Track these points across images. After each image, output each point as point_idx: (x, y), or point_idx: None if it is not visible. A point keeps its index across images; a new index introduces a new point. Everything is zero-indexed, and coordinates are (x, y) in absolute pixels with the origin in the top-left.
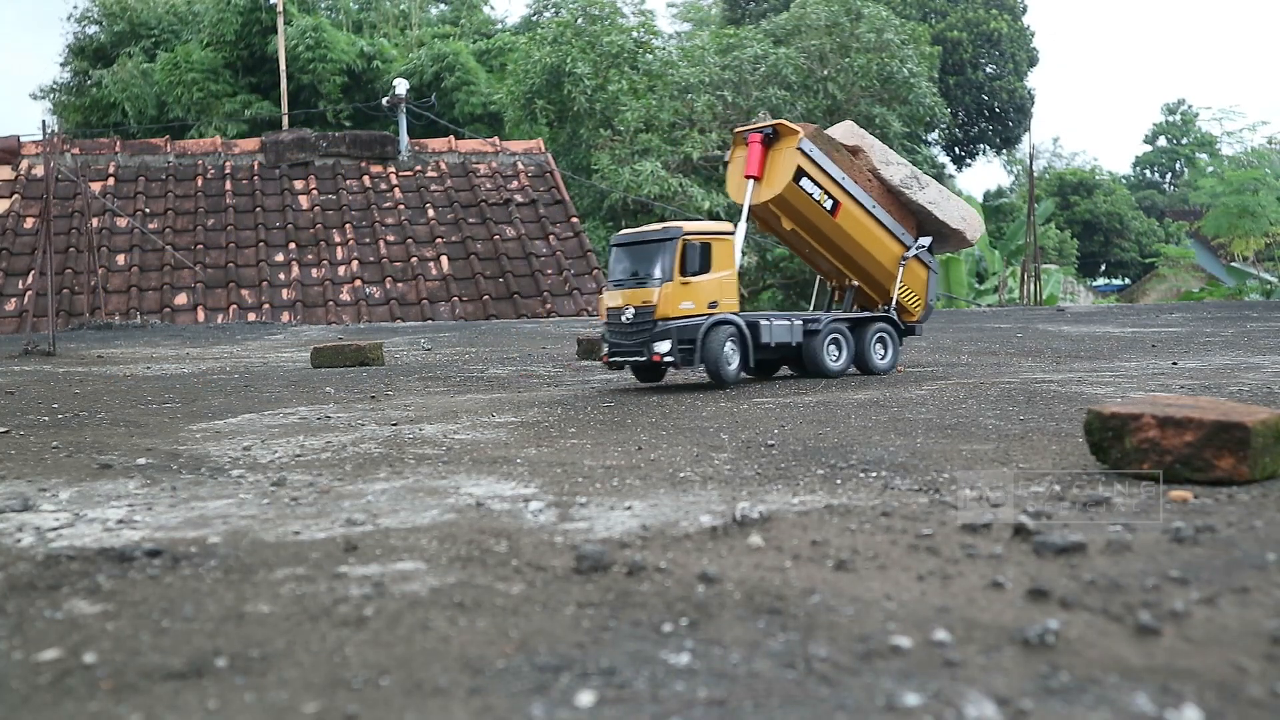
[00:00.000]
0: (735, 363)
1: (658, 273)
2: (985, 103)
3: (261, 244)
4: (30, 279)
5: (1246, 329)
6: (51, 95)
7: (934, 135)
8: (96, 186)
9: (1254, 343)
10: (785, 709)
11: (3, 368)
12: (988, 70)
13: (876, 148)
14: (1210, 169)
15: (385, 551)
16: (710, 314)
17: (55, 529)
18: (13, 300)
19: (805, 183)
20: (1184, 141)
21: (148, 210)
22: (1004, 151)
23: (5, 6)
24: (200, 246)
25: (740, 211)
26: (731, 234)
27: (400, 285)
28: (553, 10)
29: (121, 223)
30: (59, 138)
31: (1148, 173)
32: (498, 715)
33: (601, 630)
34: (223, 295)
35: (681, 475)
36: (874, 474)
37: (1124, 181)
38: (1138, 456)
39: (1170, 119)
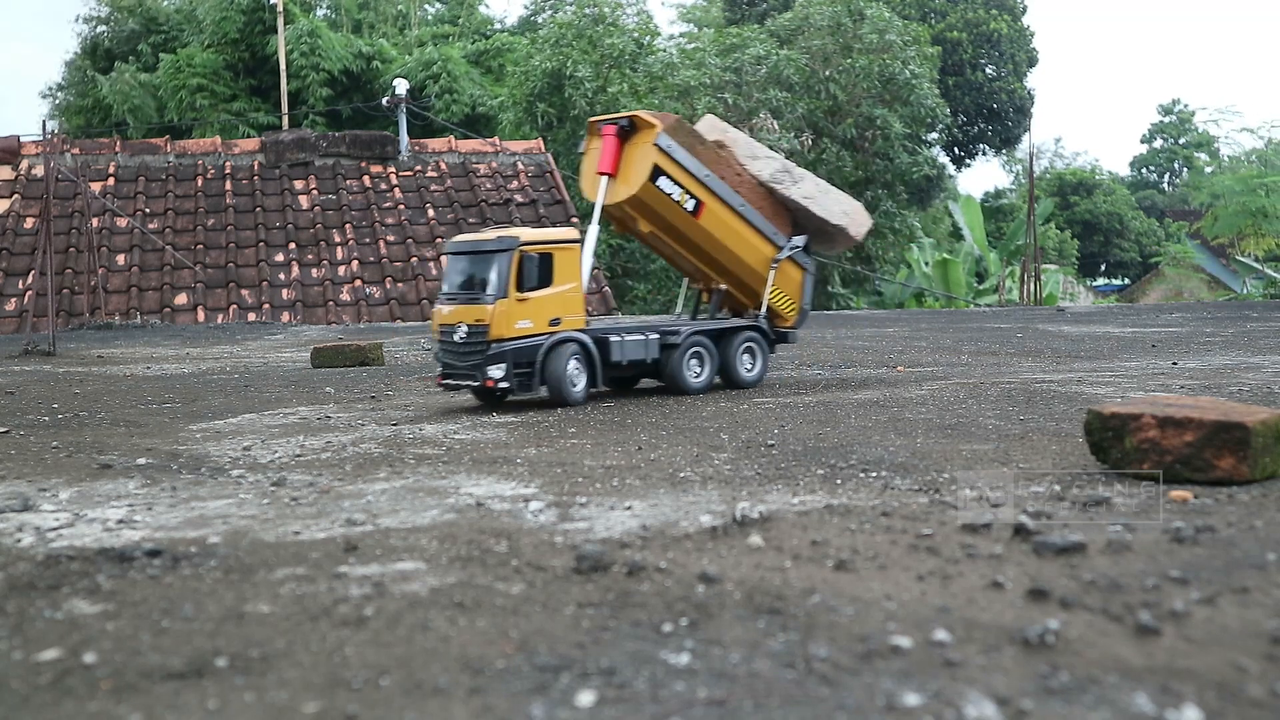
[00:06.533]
0: (581, 384)
1: (491, 288)
2: (985, 103)
3: (261, 244)
4: (30, 279)
5: (1246, 329)
6: (55, 97)
7: (934, 135)
8: (96, 186)
9: (1254, 343)
10: (785, 709)
11: (3, 368)
12: (987, 71)
13: (741, 141)
14: (1209, 169)
15: (385, 551)
16: (552, 332)
17: (55, 529)
18: (13, 300)
19: (664, 182)
20: (1181, 141)
21: (148, 210)
22: (1004, 152)
23: (5, 5)
24: (200, 246)
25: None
26: (577, 242)
27: (400, 285)
28: (551, 10)
29: (121, 223)
30: (59, 138)
31: (1146, 173)
32: (498, 715)
33: (601, 630)
34: (223, 295)
35: (681, 475)
36: (874, 474)
37: (1123, 181)
38: (1138, 456)
39: (1166, 119)
